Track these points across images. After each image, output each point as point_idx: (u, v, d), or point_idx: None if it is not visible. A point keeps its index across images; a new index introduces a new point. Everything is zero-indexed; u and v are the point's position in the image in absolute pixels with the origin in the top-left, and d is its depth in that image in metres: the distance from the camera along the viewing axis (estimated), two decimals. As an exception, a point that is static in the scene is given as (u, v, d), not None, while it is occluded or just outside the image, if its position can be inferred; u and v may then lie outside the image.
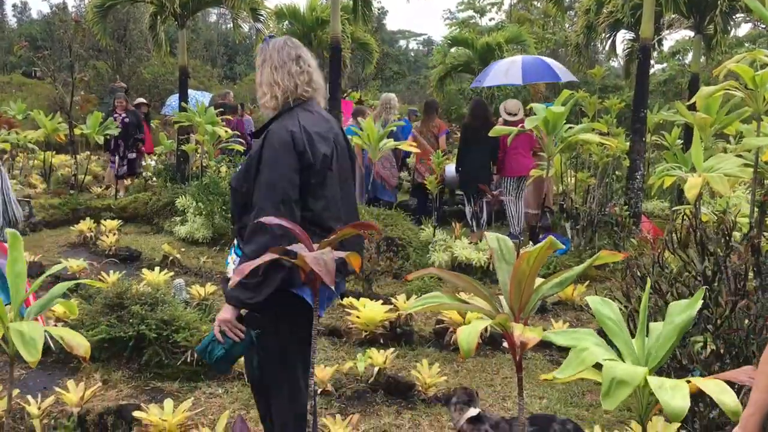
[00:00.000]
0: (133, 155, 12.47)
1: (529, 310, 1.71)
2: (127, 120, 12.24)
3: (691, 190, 4.46)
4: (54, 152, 13.98)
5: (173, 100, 17.38)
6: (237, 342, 2.55)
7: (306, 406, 2.46)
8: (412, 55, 53.00)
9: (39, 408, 3.80)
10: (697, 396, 3.43)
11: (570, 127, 6.72)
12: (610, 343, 2.25)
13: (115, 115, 12.12)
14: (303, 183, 2.56)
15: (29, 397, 3.89)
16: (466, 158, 8.75)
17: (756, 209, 4.58)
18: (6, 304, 2.53)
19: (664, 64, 26.05)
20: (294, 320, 2.63)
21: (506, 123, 8.47)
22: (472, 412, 3.03)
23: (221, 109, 11.75)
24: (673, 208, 6.86)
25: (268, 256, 1.68)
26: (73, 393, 3.91)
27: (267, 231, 2.29)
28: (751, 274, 3.69)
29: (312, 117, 2.74)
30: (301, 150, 2.55)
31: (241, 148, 10.45)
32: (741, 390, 3.48)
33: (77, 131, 11.97)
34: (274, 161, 2.52)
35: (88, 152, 14.41)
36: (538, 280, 1.74)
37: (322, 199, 2.62)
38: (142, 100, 14.90)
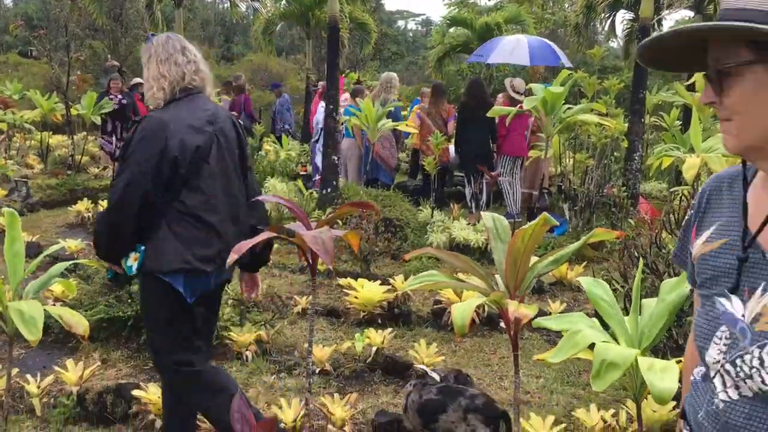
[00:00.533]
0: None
1: (524, 288, 1.72)
2: (124, 101, 12.12)
3: (689, 170, 4.47)
4: (51, 132, 13.91)
5: None
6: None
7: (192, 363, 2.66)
8: (411, 35, 52.69)
9: (38, 387, 3.83)
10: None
11: (569, 108, 6.70)
12: (604, 323, 2.27)
13: (111, 96, 11.99)
14: (171, 174, 2.61)
15: (28, 376, 3.91)
16: (465, 138, 8.73)
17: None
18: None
19: (664, 45, 25.80)
20: (161, 300, 2.70)
21: (512, 100, 8.45)
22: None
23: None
24: (671, 189, 6.86)
25: (265, 235, 1.68)
26: (73, 372, 3.93)
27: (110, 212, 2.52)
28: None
29: (191, 108, 2.75)
30: (164, 141, 2.59)
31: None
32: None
33: (74, 111, 11.91)
34: (135, 149, 2.60)
35: (85, 132, 14.34)
36: (534, 258, 1.75)
37: (197, 192, 2.66)
38: (138, 80, 14.82)
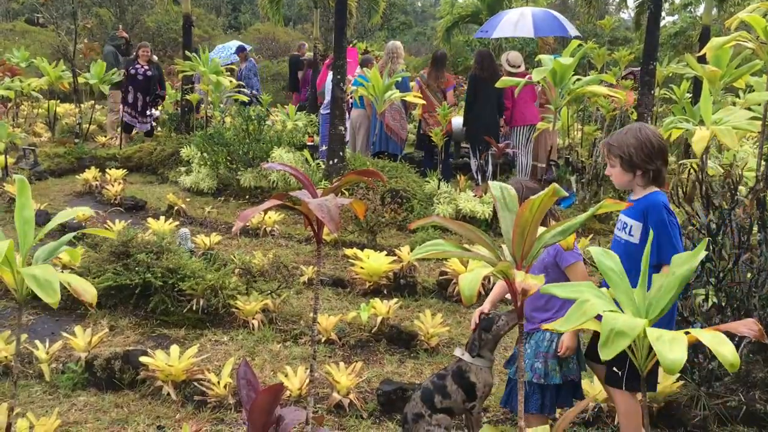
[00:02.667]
0: (157, 113, 12.23)
1: (531, 258, 1.72)
2: (149, 73, 11.74)
3: (698, 143, 4.43)
4: (58, 101, 13.89)
5: (220, 50, 17.09)
6: None
7: None
8: (419, 5, 52.10)
9: (47, 353, 3.88)
10: (697, 347, 3.48)
11: (578, 79, 6.64)
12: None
13: (137, 66, 11.65)
14: None
15: (37, 342, 3.96)
16: (474, 110, 8.68)
17: (763, 163, 4.55)
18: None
19: (675, 16, 25.56)
20: None
21: (509, 75, 8.40)
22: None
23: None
24: (680, 162, 6.81)
25: (270, 202, 1.68)
26: (81, 338, 3.97)
27: None
28: (755, 228, 3.68)
29: None
30: None
31: (246, 98, 10.37)
32: (741, 342, 3.52)
33: (81, 80, 11.87)
34: None
35: (93, 101, 14.31)
36: (541, 229, 1.75)
37: None
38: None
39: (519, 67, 8.62)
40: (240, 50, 15.12)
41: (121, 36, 13.56)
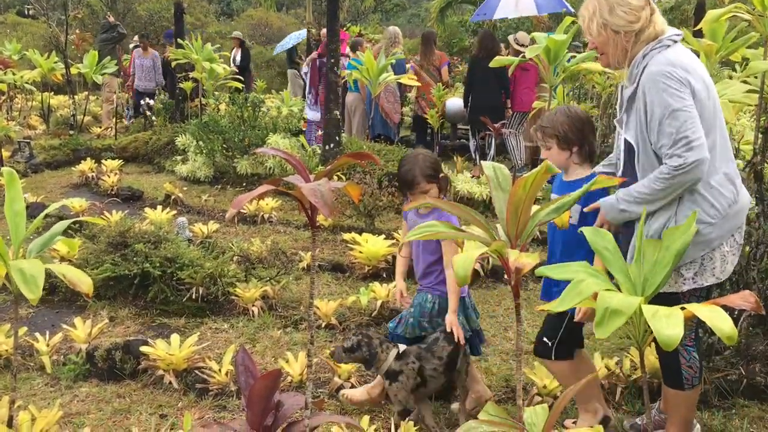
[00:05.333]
0: (151, 102, 12.41)
1: (525, 237, 1.71)
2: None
3: (694, 117, 4.40)
4: (52, 93, 13.83)
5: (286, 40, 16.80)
6: None
7: None
8: (413, -14, 51.71)
9: (48, 345, 3.88)
10: (700, 320, 3.48)
11: (573, 57, 6.60)
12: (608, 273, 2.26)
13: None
14: None
15: (37, 334, 3.96)
16: (475, 93, 8.64)
17: (760, 136, 4.53)
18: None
19: (671, -9, 25.38)
20: None
21: (517, 54, 8.36)
22: (398, 348, 3.07)
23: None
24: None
25: (264, 188, 1.67)
26: (81, 330, 3.97)
27: None
28: (753, 201, 3.67)
29: None
30: None
31: (240, 86, 10.32)
32: (740, 315, 3.52)
33: (74, 71, 11.80)
34: None
35: (86, 92, 14.25)
36: (535, 207, 1.74)
37: None
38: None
39: (525, 46, 8.57)
40: (167, 36, 14.15)
41: (113, 24, 13.52)
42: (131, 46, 14.27)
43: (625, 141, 2.71)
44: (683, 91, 2.48)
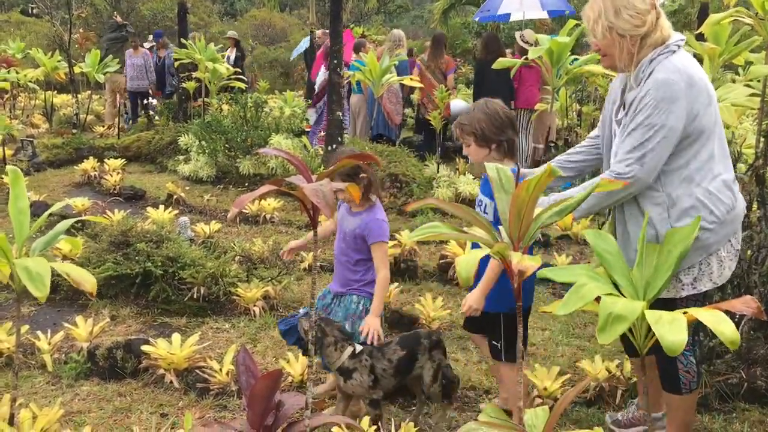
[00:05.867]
0: (154, 101, 12.54)
1: (528, 239, 1.71)
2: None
3: (697, 121, 4.40)
4: (55, 91, 13.85)
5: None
6: None
7: None
8: (416, -12, 51.73)
9: (49, 343, 3.88)
10: (698, 326, 3.47)
11: (575, 59, 6.60)
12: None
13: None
14: None
15: (39, 332, 3.96)
16: (482, 94, 8.65)
17: (762, 139, 4.53)
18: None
19: (674, -6, 25.37)
20: None
21: (522, 51, 8.37)
22: (353, 348, 3.05)
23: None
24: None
25: (266, 188, 1.67)
26: (83, 328, 3.98)
27: None
28: (754, 205, 3.67)
29: None
30: None
31: (243, 86, 10.32)
32: (741, 320, 3.52)
33: (77, 69, 11.82)
34: None
35: (89, 91, 14.26)
36: (538, 210, 1.74)
37: None
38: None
39: (532, 45, 8.58)
40: (157, 36, 14.16)
41: (122, 23, 13.56)
42: (146, 45, 14.22)
43: None
44: (674, 109, 2.47)
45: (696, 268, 2.60)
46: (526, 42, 8.64)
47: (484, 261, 2.74)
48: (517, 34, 9.05)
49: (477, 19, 12.31)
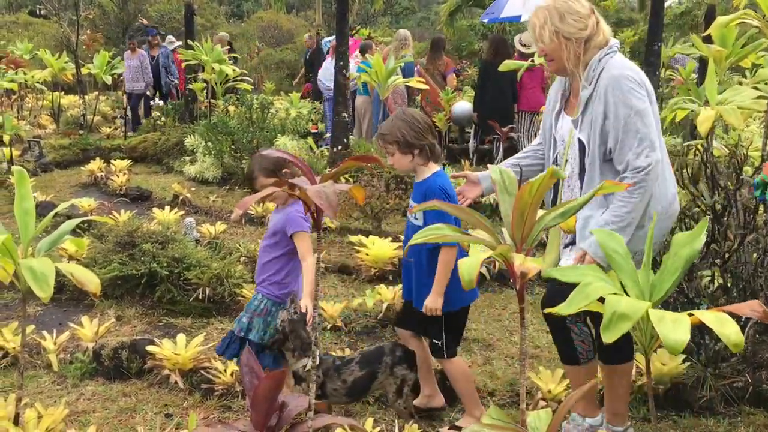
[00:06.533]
0: (160, 102, 12.55)
1: (531, 241, 1.71)
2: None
3: (703, 123, 4.40)
4: (62, 92, 13.90)
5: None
6: None
7: None
8: (423, -11, 51.73)
9: (55, 343, 3.90)
10: (703, 329, 3.47)
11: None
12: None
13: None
14: None
15: (45, 332, 3.98)
16: (488, 96, 8.65)
17: (768, 142, 4.52)
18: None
19: (681, -4, 25.32)
20: None
21: (521, 55, 8.36)
22: (310, 362, 3.03)
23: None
24: (686, 144, 6.76)
25: (270, 189, 1.68)
26: (88, 329, 3.99)
27: None
28: (761, 208, 3.66)
29: None
30: None
31: (249, 87, 10.34)
32: (747, 323, 3.51)
33: (84, 71, 11.86)
34: None
35: (96, 92, 14.31)
36: (541, 211, 1.74)
37: None
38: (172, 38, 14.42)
39: (530, 47, 8.57)
40: (151, 33, 13.85)
41: (150, 26, 13.53)
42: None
43: (579, 140, 2.82)
44: (643, 94, 2.66)
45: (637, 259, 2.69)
46: (524, 45, 8.64)
47: (434, 258, 2.99)
48: (516, 38, 9.05)
49: (485, 21, 12.28)
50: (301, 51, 20.86)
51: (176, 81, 13.17)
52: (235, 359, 3.33)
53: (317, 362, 3.00)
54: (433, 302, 3.00)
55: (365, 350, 3.19)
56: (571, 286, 2.36)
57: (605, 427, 3.08)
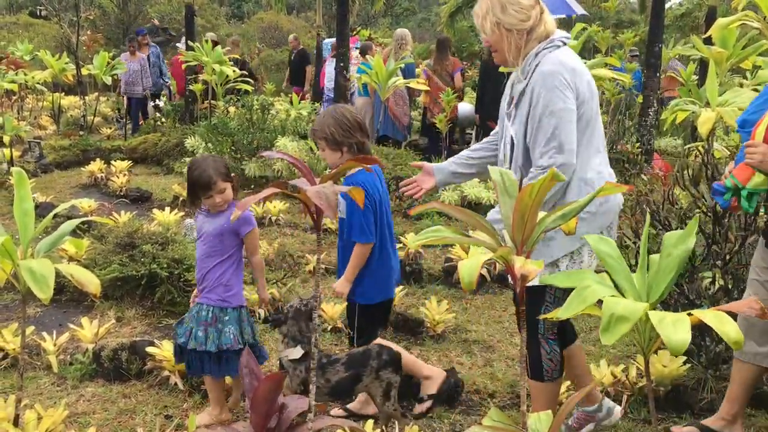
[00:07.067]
0: (161, 103, 12.43)
1: (531, 243, 1.70)
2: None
3: (704, 124, 4.40)
4: (63, 93, 13.89)
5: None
6: None
7: None
8: (423, -10, 51.75)
9: (55, 344, 3.89)
10: (704, 330, 3.46)
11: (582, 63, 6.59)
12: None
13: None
14: None
15: (45, 334, 3.97)
16: (486, 97, 8.65)
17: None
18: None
19: (682, -2, 25.33)
20: None
21: None
22: (296, 353, 3.03)
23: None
24: (687, 146, 6.77)
25: (269, 191, 1.67)
26: (88, 330, 3.99)
27: None
28: (762, 210, 3.66)
29: None
30: None
31: (250, 88, 10.34)
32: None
33: (85, 71, 11.85)
34: None
35: (97, 93, 14.31)
36: (541, 213, 1.73)
37: None
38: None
39: None
40: (140, 33, 13.36)
41: (162, 26, 13.41)
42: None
43: (511, 135, 2.85)
44: (568, 94, 2.63)
45: (569, 257, 2.73)
46: None
47: (349, 249, 3.13)
48: None
49: None
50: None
51: (168, 81, 13.08)
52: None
53: (297, 355, 3.02)
54: (341, 287, 3.14)
55: (352, 351, 3.20)
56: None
57: None
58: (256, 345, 3.36)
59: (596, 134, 2.78)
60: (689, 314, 1.86)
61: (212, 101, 10.29)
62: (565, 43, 2.76)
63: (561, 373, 2.94)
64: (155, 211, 6.56)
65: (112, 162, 8.90)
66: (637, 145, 7.66)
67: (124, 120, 12.68)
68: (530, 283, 2.51)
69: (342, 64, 7.80)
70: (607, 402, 3.19)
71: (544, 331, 2.85)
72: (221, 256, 3.25)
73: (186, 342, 3.20)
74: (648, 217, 2.33)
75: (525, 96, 2.73)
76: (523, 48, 2.73)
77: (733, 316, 1.91)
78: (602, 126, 2.86)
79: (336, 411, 3.38)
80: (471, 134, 10.03)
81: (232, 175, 3.29)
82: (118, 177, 8.15)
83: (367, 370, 3.05)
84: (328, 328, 4.35)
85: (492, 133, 3.18)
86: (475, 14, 2.84)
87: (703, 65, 9.46)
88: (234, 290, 3.27)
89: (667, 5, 10.39)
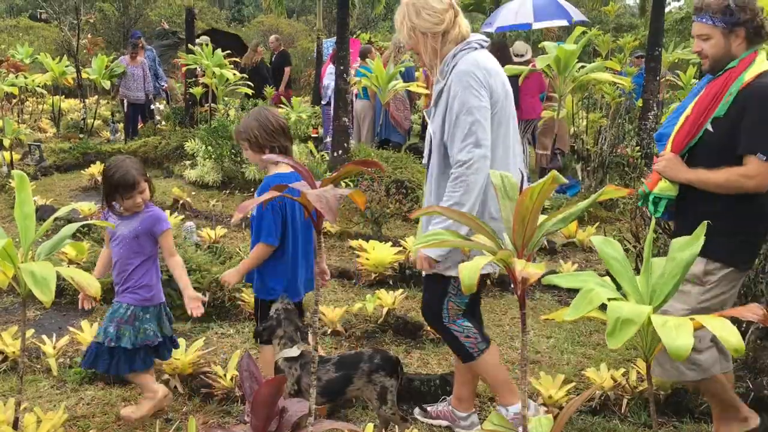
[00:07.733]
0: (161, 106, 12.36)
1: (532, 247, 1.70)
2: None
3: (703, 128, 4.39)
4: (63, 96, 13.90)
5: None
6: None
7: None
8: (423, -6, 51.73)
9: (54, 347, 3.89)
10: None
11: (582, 67, 6.60)
12: (616, 283, 2.25)
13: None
14: None
15: (44, 337, 3.97)
16: None
17: None
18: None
19: (681, 1, 25.40)
20: None
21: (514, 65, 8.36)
22: (293, 352, 3.02)
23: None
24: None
25: (270, 194, 1.67)
26: (87, 333, 3.98)
27: None
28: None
29: None
30: None
31: (250, 92, 10.35)
32: (748, 329, 3.50)
33: (85, 75, 11.86)
34: None
35: (97, 96, 14.31)
36: (542, 217, 1.73)
37: None
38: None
39: (523, 56, 8.57)
40: (134, 36, 13.01)
41: (171, 30, 13.36)
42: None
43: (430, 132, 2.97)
44: (482, 93, 2.75)
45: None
46: (517, 55, 8.63)
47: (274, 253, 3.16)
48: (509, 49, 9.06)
49: (492, 31, 12.21)
50: (301, 55, 20.94)
51: (165, 84, 13.02)
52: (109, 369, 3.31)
53: (293, 353, 3.01)
54: (229, 276, 3.22)
55: (345, 353, 3.19)
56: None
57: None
58: (172, 336, 3.49)
59: (510, 134, 2.89)
60: (691, 319, 1.86)
61: (212, 104, 10.30)
62: (483, 46, 2.89)
63: (487, 342, 3.02)
64: (155, 214, 6.56)
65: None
66: (637, 148, 7.67)
67: (114, 125, 12.50)
68: (431, 271, 2.80)
69: (342, 68, 7.81)
70: (475, 418, 3.27)
71: (449, 317, 2.97)
72: (143, 256, 3.31)
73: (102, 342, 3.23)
74: (653, 221, 2.33)
75: (443, 95, 2.84)
76: (440, 50, 2.86)
77: (736, 322, 1.91)
78: (517, 127, 2.99)
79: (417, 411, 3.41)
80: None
81: (148, 175, 3.35)
82: (118, 180, 8.13)
83: (357, 373, 3.02)
84: (328, 332, 4.34)
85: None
86: (395, 21, 2.98)
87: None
88: (155, 290, 3.37)
89: (666, 9, 10.40)
